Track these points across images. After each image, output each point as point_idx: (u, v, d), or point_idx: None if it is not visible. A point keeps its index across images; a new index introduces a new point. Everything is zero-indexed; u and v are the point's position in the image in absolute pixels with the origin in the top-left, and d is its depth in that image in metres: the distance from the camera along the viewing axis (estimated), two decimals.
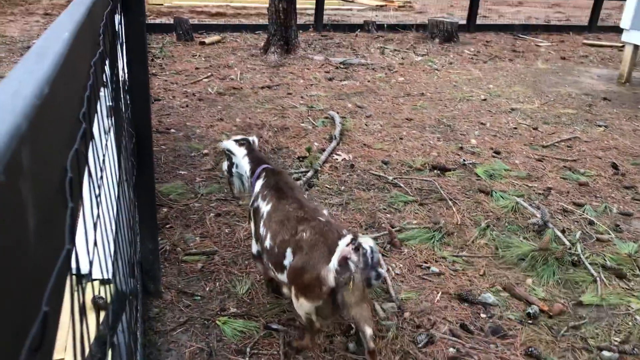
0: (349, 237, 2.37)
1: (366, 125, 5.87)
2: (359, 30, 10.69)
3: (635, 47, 8.11)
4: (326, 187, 4.47)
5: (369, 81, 7.58)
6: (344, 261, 2.33)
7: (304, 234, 2.57)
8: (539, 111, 6.69)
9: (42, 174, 0.53)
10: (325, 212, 2.79)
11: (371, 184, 4.57)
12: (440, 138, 5.61)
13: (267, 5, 8.60)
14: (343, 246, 2.35)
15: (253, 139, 3.35)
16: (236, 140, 3.31)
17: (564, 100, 7.22)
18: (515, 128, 6.04)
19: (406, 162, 4.98)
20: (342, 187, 4.48)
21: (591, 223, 4.12)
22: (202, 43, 9.16)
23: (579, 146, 5.63)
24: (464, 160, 5.04)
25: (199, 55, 8.49)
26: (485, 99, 7.01)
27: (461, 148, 5.37)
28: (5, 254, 0.40)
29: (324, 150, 5.08)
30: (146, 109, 2.83)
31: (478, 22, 11.65)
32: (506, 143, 5.58)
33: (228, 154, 3.26)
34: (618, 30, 8.51)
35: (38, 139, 0.52)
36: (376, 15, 12.77)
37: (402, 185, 4.55)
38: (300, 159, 4.94)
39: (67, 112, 0.76)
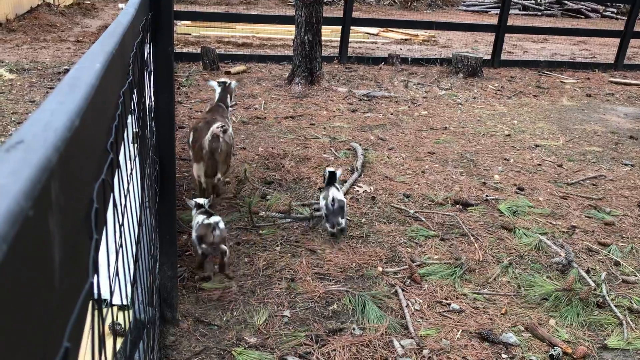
0: (219, 123, 4.06)
1: (388, 157, 5.86)
2: (383, 63, 10.76)
3: None
4: (347, 218, 4.44)
5: (392, 114, 7.60)
6: (215, 136, 4.01)
7: (199, 124, 4.26)
8: (564, 148, 6.62)
9: (69, 205, 0.53)
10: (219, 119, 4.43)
11: (392, 217, 4.54)
12: (463, 173, 5.57)
13: (293, 37, 8.73)
14: (214, 127, 4.00)
15: (230, 82, 4.93)
16: (218, 82, 4.91)
17: (590, 137, 7.15)
18: (540, 164, 5.98)
19: (428, 196, 4.94)
20: (363, 220, 4.45)
21: (617, 264, 4.03)
22: (228, 72, 9.28)
23: (604, 185, 5.55)
24: (486, 195, 4.99)
25: None
26: (509, 135, 6.97)
27: (484, 183, 5.32)
28: (31, 289, 0.40)
29: (345, 181, 5.07)
30: (171, 137, 2.87)
31: (502, 57, 11.65)
32: (530, 179, 5.52)
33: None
34: None
35: (67, 171, 0.52)
36: (400, 49, 12.86)
37: (423, 219, 4.51)
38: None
39: (96, 142, 0.76)
